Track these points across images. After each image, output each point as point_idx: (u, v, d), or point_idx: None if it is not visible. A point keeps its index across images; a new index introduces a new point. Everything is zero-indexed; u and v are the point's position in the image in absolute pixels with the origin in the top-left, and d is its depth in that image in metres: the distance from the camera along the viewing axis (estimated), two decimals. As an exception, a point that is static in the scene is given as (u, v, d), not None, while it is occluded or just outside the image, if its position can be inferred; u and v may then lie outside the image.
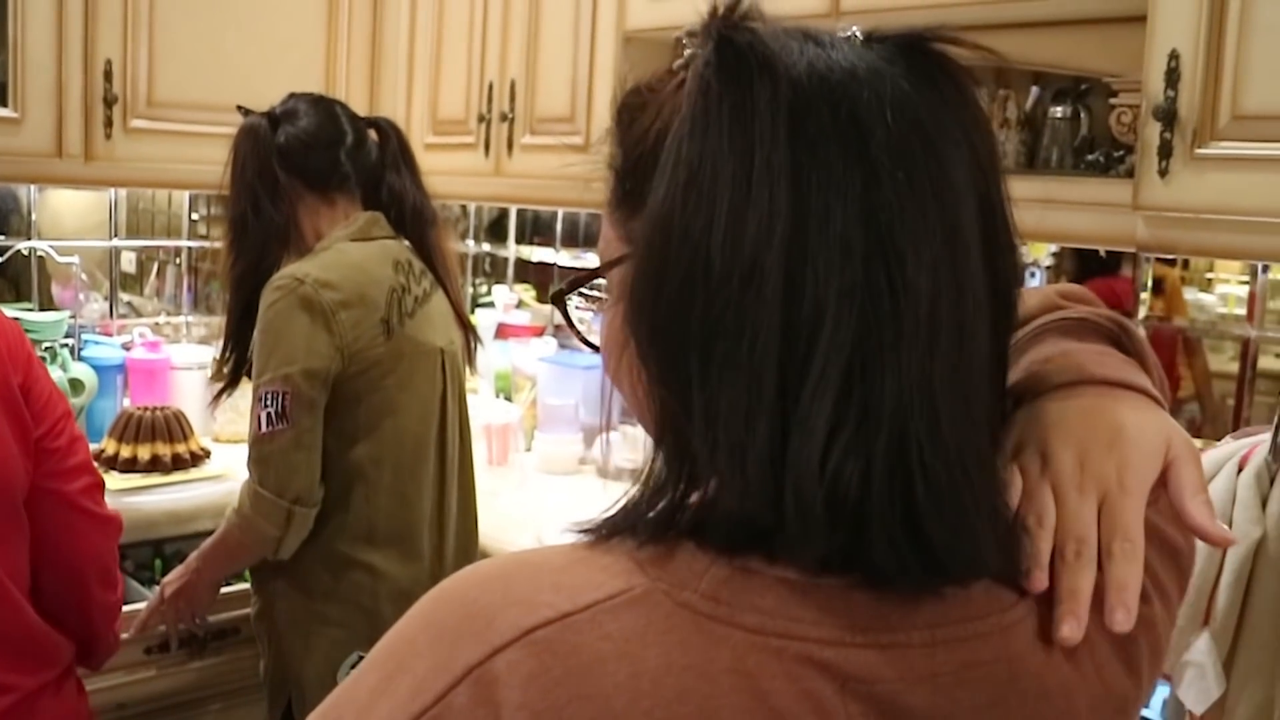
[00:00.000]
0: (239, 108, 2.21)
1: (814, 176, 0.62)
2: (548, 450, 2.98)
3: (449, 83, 2.97)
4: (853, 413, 0.60)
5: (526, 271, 3.53)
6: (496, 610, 0.62)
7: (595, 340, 0.76)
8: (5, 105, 2.63)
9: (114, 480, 2.57)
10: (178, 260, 3.39)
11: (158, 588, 2.16)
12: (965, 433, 0.63)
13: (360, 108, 3.06)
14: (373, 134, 2.22)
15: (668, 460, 0.66)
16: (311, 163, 2.12)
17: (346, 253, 2.07)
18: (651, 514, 0.65)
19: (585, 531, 0.67)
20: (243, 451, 2.82)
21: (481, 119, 2.82)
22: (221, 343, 2.15)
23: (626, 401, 0.72)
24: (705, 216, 0.62)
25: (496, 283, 3.56)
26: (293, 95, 2.21)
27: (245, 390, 2.19)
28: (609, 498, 0.68)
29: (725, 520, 0.63)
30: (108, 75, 2.71)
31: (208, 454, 2.76)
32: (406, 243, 2.19)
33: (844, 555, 0.62)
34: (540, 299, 3.47)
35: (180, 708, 2.29)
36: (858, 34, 0.68)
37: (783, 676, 0.61)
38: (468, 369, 2.33)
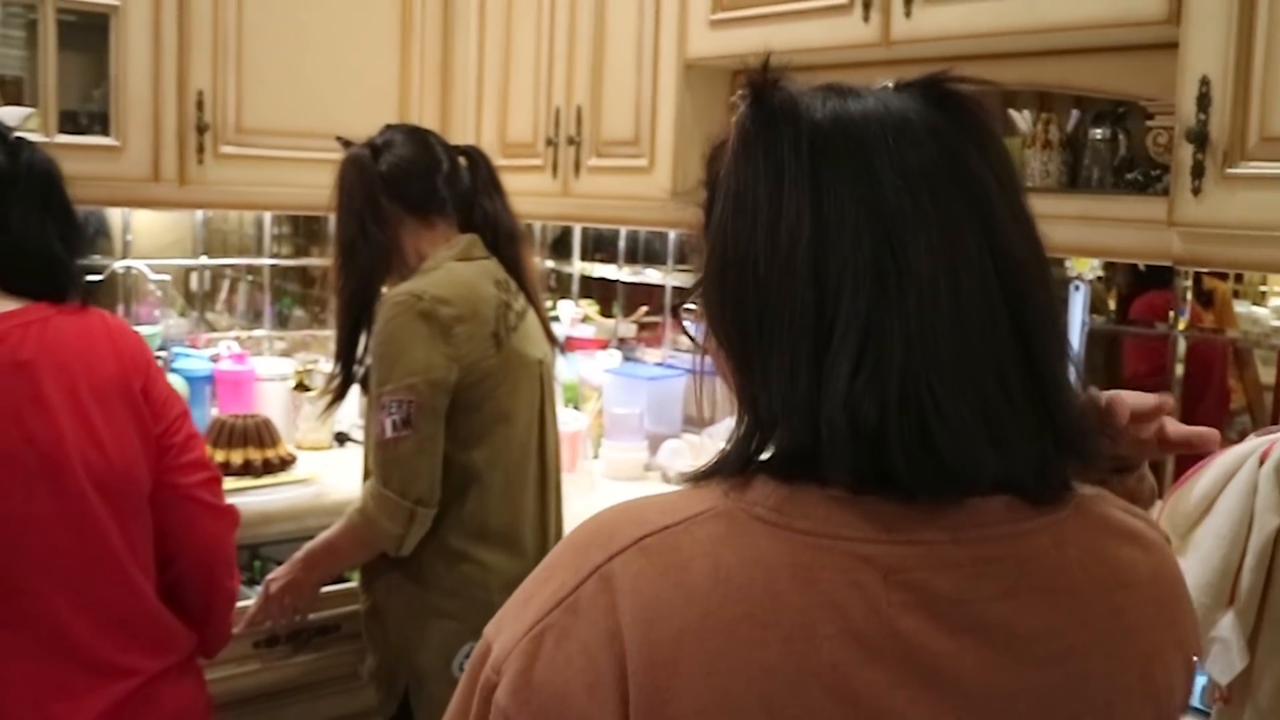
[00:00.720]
0: (338, 139, 2.35)
1: (830, 190, 0.81)
2: (614, 457, 3.12)
3: (517, 108, 3.12)
4: (868, 362, 0.78)
5: (589, 287, 3.67)
6: (618, 528, 0.82)
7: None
8: (107, 134, 2.82)
9: (209, 485, 2.74)
10: (249, 277, 3.57)
11: (262, 586, 2.30)
12: (970, 373, 0.79)
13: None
14: (463, 161, 2.36)
15: (743, 416, 0.84)
16: (412, 189, 2.24)
17: (455, 272, 2.20)
18: (733, 458, 0.84)
19: (689, 478, 0.86)
20: (322, 458, 3.03)
21: (549, 143, 2.98)
22: (334, 358, 2.28)
23: (728, 388, 0.89)
24: (749, 227, 0.82)
25: (561, 298, 3.70)
26: (389, 127, 2.34)
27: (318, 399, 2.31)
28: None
29: (784, 455, 0.82)
30: (199, 105, 2.89)
31: (294, 459, 2.93)
32: (498, 262, 2.31)
33: (877, 476, 0.79)
34: (604, 313, 3.61)
35: (283, 699, 2.43)
36: (889, 84, 0.88)
37: (832, 569, 0.78)
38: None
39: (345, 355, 2.26)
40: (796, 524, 0.79)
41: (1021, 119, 2.21)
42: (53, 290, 1.74)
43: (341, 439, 3.24)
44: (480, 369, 2.15)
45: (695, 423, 3.26)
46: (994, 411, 0.80)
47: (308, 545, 2.26)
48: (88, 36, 2.86)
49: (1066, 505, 0.84)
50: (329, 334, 3.40)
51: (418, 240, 2.25)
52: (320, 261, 3.64)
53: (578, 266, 3.67)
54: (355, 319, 2.23)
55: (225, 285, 3.55)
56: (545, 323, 2.41)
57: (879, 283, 0.79)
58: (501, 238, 2.33)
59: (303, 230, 3.62)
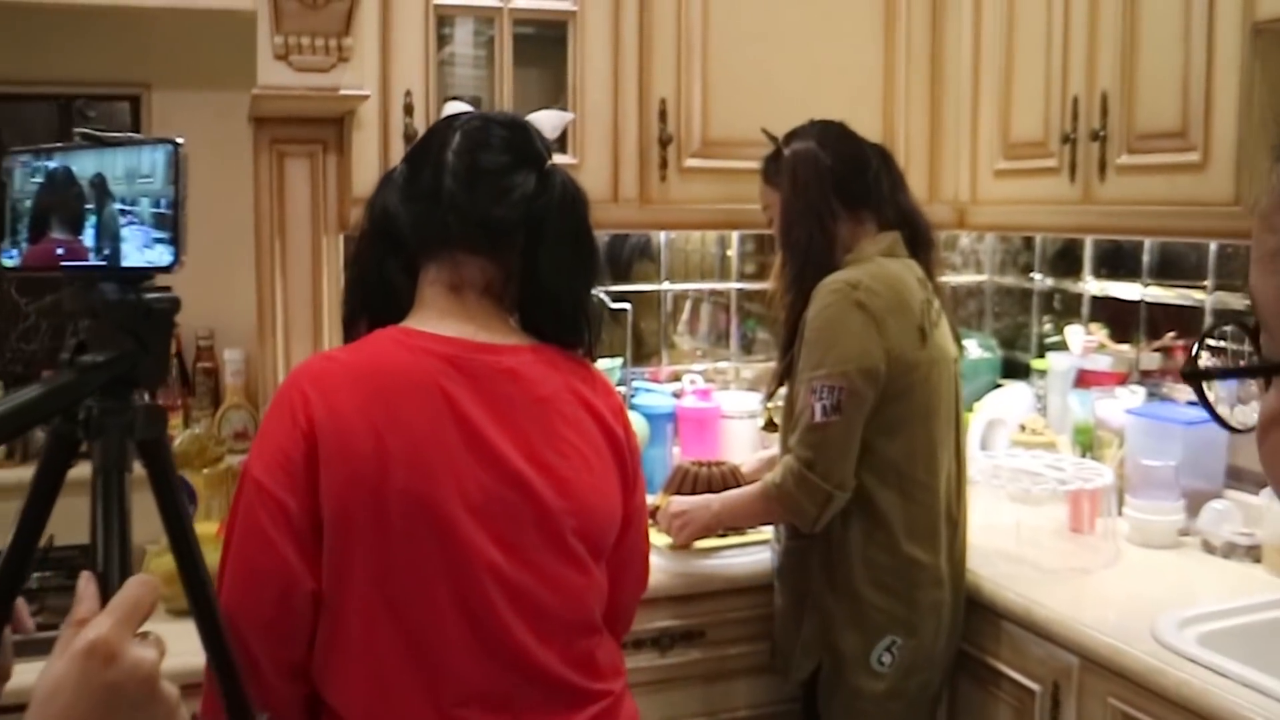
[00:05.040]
0: (764, 130, 2.40)
1: None
2: (1141, 518, 2.56)
3: (1023, 100, 2.63)
4: None
5: (1096, 308, 3.11)
6: None
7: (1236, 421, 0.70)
8: (564, 151, 2.58)
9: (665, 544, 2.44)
10: (713, 298, 3.27)
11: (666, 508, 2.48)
12: None
13: (920, 133, 2.83)
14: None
15: None
16: (854, 185, 2.30)
17: (884, 266, 2.26)
18: None
19: None
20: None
21: (1066, 139, 2.47)
22: (783, 342, 2.33)
23: None
24: None
25: (1067, 321, 3.15)
26: (812, 123, 2.37)
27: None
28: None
29: None
30: (662, 115, 2.61)
31: (764, 514, 2.58)
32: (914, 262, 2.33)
33: None
34: (1115, 338, 3.04)
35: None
36: None
37: None
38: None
39: (790, 344, 2.29)
40: None
41: None
42: (571, 336, 1.63)
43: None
44: (907, 360, 2.21)
45: (1244, 478, 2.64)
46: None
47: (722, 495, 2.44)
48: (544, 49, 2.66)
49: None
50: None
51: (850, 234, 2.30)
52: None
53: (1091, 285, 3.10)
54: (802, 310, 2.25)
55: (687, 306, 3.28)
56: (953, 325, 2.39)
57: None
58: (920, 239, 2.35)
59: (768, 246, 3.29)
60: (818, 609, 2.26)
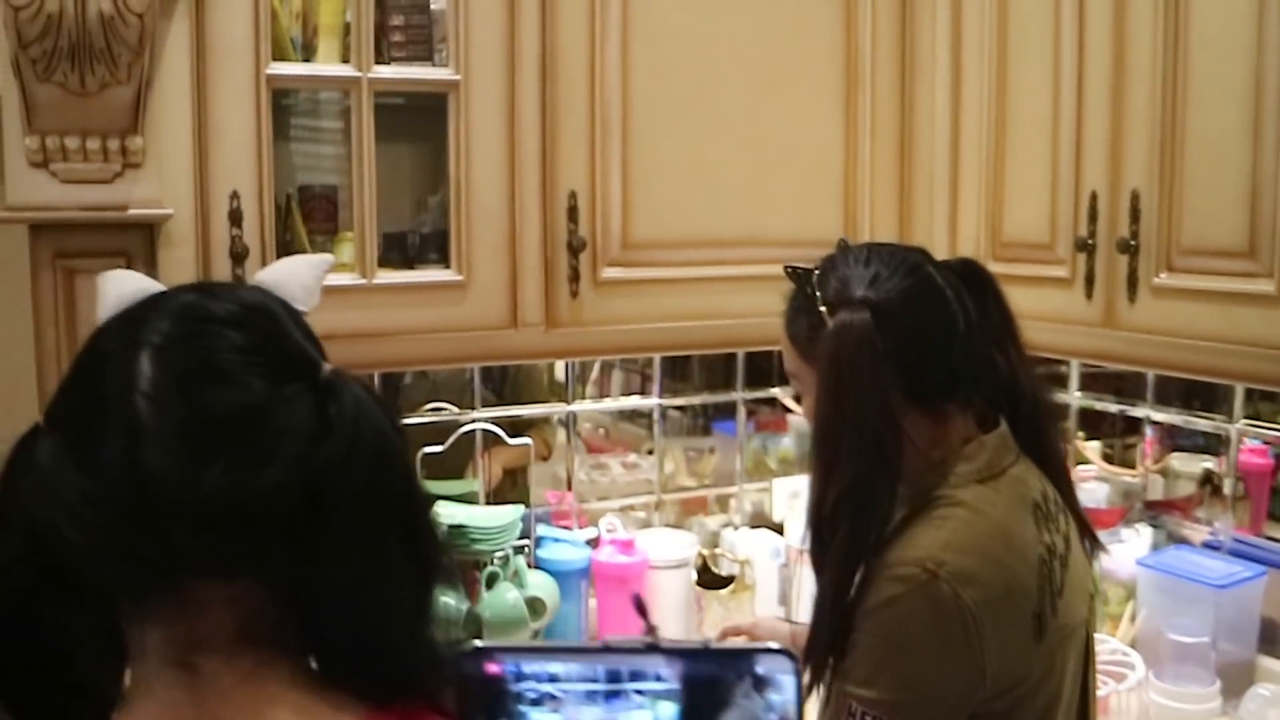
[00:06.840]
0: (788, 270, 1.48)
1: None
2: (1172, 708, 2.07)
3: (1020, 190, 2.12)
4: None
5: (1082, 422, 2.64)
6: None
7: None
8: (446, 264, 2.00)
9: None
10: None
11: None
12: None
13: (888, 223, 2.32)
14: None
15: None
16: (932, 374, 1.42)
17: (982, 512, 1.39)
18: None
19: None
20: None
21: (1082, 246, 1.96)
22: (806, 644, 1.42)
23: None
24: None
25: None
26: (872, 251, 1.46)
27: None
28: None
29: None
30: (572, 213, 2.03)
31: None
32: (1029, 462, 1.48)
33: None
34: (1111, 459, 2.57)
35: None
36: None
37: None
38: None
39: (829, 641, 1.39)
40: None
41: None
42: (394, 689, 0.88)
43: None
44: (1012, 674, 1.36)
45: (1281, 640, 2.18)
46: None
47: None
48: (418, 120, 2.08)
49: None
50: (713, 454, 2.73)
51: (923, 443, 1.42)
52: (722, 397, 2.75)
53: (1075, 396, 2.62)
54: (847, 591, 1.38)
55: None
56: (1082, 523, 1.53)
57: None
58: (1044, 418, 1.51)
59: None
60: None
